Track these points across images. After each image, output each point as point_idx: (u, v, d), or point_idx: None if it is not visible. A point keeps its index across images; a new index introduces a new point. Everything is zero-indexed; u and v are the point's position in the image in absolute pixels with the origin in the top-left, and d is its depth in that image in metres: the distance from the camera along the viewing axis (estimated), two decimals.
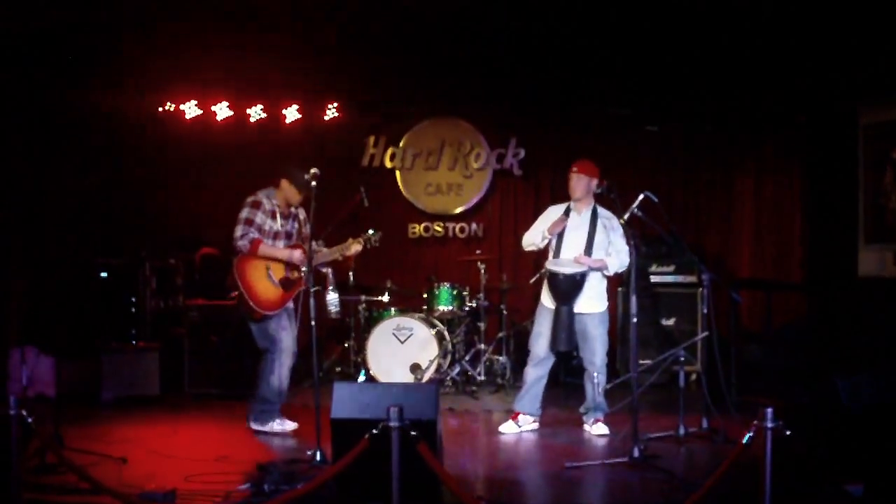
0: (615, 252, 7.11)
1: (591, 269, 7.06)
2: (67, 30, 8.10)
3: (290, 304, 7.13)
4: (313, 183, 6.40)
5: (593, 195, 7.12)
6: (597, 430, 7.18)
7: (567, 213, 7.27)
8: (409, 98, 10.27)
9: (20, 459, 4.90)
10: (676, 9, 7.66)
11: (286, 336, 7.07)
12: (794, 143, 10.25)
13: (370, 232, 7.20)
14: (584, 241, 7.14)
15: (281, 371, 7.06)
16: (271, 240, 7.04)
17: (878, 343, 8.26)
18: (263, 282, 6.95)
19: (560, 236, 7.21)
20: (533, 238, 7.30)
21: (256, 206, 7.00)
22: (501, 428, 7.31)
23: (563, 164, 7.68)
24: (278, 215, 7.06)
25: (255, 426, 7.13)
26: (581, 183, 7.15)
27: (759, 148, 10.38)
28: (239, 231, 6.92)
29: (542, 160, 10.46)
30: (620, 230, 7.00)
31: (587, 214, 7.21)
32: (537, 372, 7.26)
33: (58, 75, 9.10)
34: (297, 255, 6.99)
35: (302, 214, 7.28)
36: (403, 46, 8.76)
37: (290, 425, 7.14)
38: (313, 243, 7.09)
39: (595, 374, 7.12)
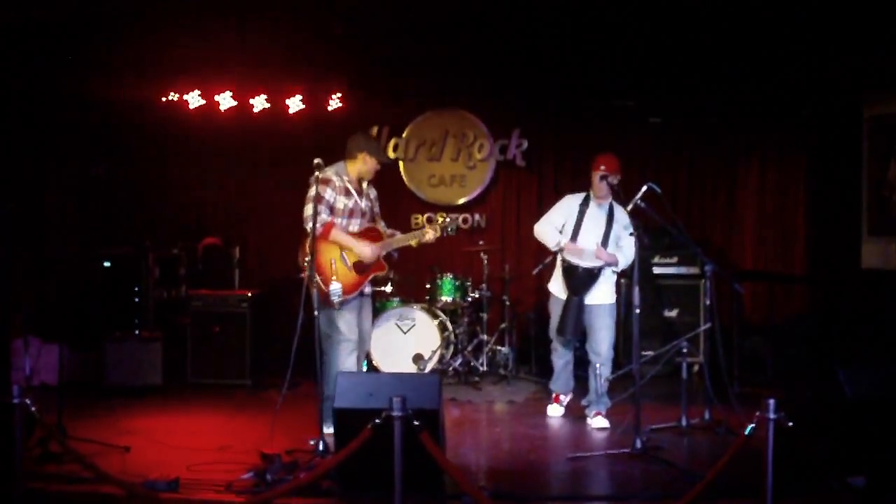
0: (626, 246, 7.13)
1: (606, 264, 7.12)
2: (69, 20, 8.09)
3: (368, 290, 6.85)
4: (317, 172, 6.33)
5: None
6: (596, 423, 7.18)
7: (586, 202, 7.26)
8: (413, 89, 10.25)
9: (23, 448, 4.91)
10: (681, 0, 7.64)
11: (352, 327, 6.67)
12: (799, 136, 10.24)
13: (448, 218, 6.94)
14: (601, 232, 7.16)
15: (345, 365, 6.56)
16: (346, 218, 6.66)
17: (881, 335, 8.27)
18: (338, 265, 6.55)
19: (578, 225, 7.20)
20: (547, 238, 7.28)
21: (325, 182, 6.51)
22: (549, 411, 7.48)
23: (567, 156, 7.70)
24: (351, 190, 6.67)
25: (329, 430, 6.11)
26: (604, 185, 7.08)
27: (763, 140, 10.37)
28: (308, 209, 6.39)
29: (545, 151, 10.45)
30: (630, 227, 7.01)
31: (605, 206, 7.22)
32: (562, 360, 7.46)
33: (61, 66, 9.10)
34: (367, 252, 6.63)
35: (373, 193, 6.96)
36: (407, 37, 8.75)
37: None
38: (390, 229, 7.01)
39: (598, 366, 7.14)
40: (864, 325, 8.64)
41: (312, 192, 6.45)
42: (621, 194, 6.49)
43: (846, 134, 9.66)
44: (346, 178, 6.69)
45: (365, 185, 6.85)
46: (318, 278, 6.35)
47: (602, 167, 7.10)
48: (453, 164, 10.54)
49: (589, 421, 7.25)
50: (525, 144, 10.39)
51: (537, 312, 9.22)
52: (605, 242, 7.12)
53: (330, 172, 6.62)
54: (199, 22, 8.24)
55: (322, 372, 6.45)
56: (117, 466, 5.61)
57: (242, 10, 8.00)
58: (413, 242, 6.90)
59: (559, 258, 7.31)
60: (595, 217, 7.20)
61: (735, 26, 8.10)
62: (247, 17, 8.19)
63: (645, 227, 6.67)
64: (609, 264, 7.12)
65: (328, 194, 6.54)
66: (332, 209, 6.58)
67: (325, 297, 6.44)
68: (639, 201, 6.42)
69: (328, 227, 6.52)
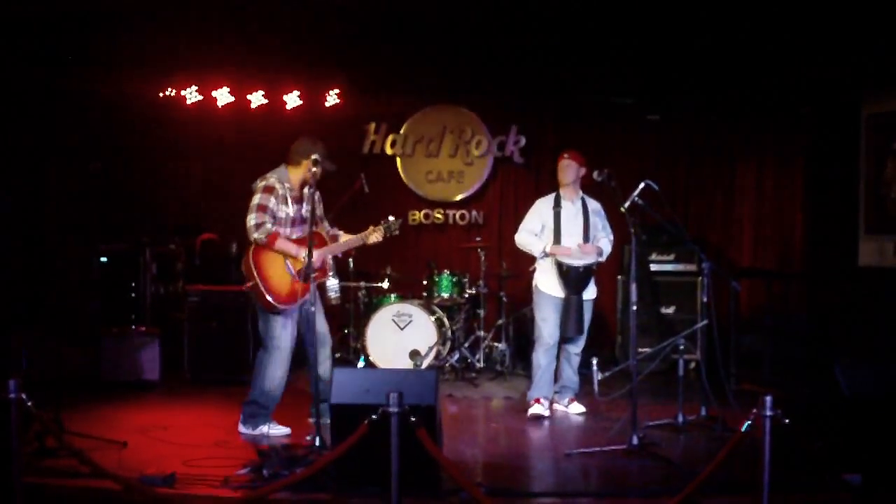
0: (604, 238, 7.41)
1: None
2: (68, 15, 8.08)
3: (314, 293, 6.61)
4: (314, 168, 6.34)
5: (594, 183, 7.11)
6: (574, 409, 7.45)
7: (558, 203, 7.39)
8: (411, 85, 10.25)
9: (20, 443, 4.91)
10: None
11: (289, 335, 6.64)
12: (797, 133, 10.26)
13: (390, 219, 6.81)
14: (581, 229, 7.31)
15: (274, 373, 6.63)
16: (289, 227, 6.60)
17: (877, 332, 8.28)
18: (280, 273, 6.52)
19: (558, 227, 7.33)
20: (531, 247, 7.40)
21: (269, 191, 6.50)
22: (533, 411, 7.32)
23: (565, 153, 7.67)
24: (290, 200, 6.58)
25: (243, 430, 6.68)
26: (571, 169, 7.35)
27: (761, 137, 10.38)
28: (253, 219, 6.43)
29: (543, 148, 10.45)
30: (604, 216, 7.48)
31: (578, 203, 7.41)
32: (548, 358, 7.37)
33: (60, 61, 9.09)
34: (304, 256, 6.39)
35: (317, 195, 6.75)
36: (405, 33, 8.73)
37: (281, 430, 6.66)
38: (334, 229, 6.94)
39: (574, 355, 7.40)
40: (861, 323, 8.65)
41: (256, 200, 6.49)
42: (617, 190, 6.47)
43: (844, 132, 9.67)
44: (287, 185, 6.61)
45: (307, 189, 6.67)
46: (261, 285, 6.45)
47: (565, 154, 7.41)
48: (451, 161, 10.54)
49: (565, 408, 7.49)
50: (523, 141, 10.40)
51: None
52: (586, 238, 7.30)
53: (273, 179, 6.58)
54: (196, 18, 8.23)
55: (253, 377, 6.68)
56: (114, 461, 5.61)
57: (240, 6, 7.98)
58: (357, 244, 6.88)
59: (549, 260, 7.35)
60: (571, 215, 7.36)
61: (733, 24, 8.09)
62: (244, 13, 8.17)
63: (643, 225, 6.68)
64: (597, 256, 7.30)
65: (272, 203, 6.50)
66: (274, 218, 6.53)
67: (266, 304, 6.48)
68: (636, 198, 6.41)
69: (273, 236, 6.47)
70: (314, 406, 6.20)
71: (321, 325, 6.75)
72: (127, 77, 9.61)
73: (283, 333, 6.61)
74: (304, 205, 6.72)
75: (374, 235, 6.77)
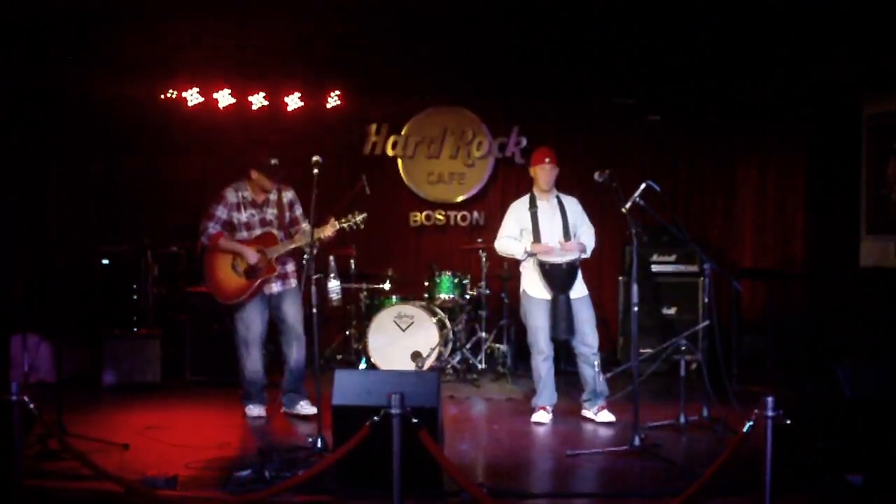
0: (586, 233, 7.32)
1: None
2: (69, 17, 8.08)
3: (276, 288, 7.18)
4: (315, 170, 6.38)
5: (596, 183, 7.09)
6: (602, 417, 7.18)
7: (533, 204, 7.34)
8: (412, 86, 10.24)
9: (22, 445, 4.91)
10: None
11: (249, 325, 7.18)
12: (798, 134, 10.25)
13: (349, 216, 6.91)
14: (560, 227, 7.24)
15: (242, 361, 7.25)
16: (245, 231, 7.16)
17: (879, 333, 8.27)
18: (226, 272, 7.15)
19: (536, 227, 7.26)
20: (512, 250, 7.33)
21: (218, 200, 7.15)
22: (535, 418, 7.21)
23: (566, 153, 7.68)
24: (244, 206, 7.15)
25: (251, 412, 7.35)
26: (553, 174, 7.31)
27: (762, 138, 10.38)
28: (201, 225, 7.14)
29: None
30: (584, 212, 7.38)
31: (554, 201, 7.35)
32: (547, 364, 7.27)
33: (61, 63, 9.09)
34: (249, 253, 7.08)
35: (287, 198, 7.24)
36: (406, 34, 8.74)
37: (257, 411, 7.30)
38: (306, 227, 7.05)
39: (591, 356, 7.17)
40: (863, 324, 8.65)
41: (207, 209, 7.18)
42: (619, 190, 6.46)
43: (845, 132, 9.66)
44: (242, 193, 7.19)
45: (274, 194, 7.20)
46: (210, 286, 7.24)
47: (546, 159, 7.29)
48: (452, 162, 10.54)
49: (593, 416, 7.23)
50: (524, 142, 10.39)
51: None
52: (566, 235, 7.21)
53: (227, 189, 7.19)
54: (197, 19, 8.24)
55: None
56: (116, 464, 5.62)
57: (241, 8, 7.99)
58: (305, 241, 6.88)
59: (532, 260, 7.29)
60: (548, 214, 7.29)
61: (735, 24, 8.09)
62: (246, 15, 8.18)
63: (644, 226, 6.67)
64: (580, 253, 7.22)
65: (219, 211, 7.15)
66: (227, 224, 7.13)
67: (215, 300, 7.25)
68: (637, 199, 6.40)
69: (216, 237, 7.11)
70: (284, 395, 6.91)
71: (293, 318, 7.22)
72: (128, 78, 9.60)
73: (240, 326, 7.22)
74: (268, 209, 7.20)
75: (326, 231, 6.89)
